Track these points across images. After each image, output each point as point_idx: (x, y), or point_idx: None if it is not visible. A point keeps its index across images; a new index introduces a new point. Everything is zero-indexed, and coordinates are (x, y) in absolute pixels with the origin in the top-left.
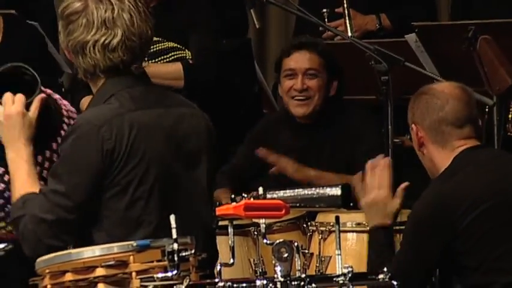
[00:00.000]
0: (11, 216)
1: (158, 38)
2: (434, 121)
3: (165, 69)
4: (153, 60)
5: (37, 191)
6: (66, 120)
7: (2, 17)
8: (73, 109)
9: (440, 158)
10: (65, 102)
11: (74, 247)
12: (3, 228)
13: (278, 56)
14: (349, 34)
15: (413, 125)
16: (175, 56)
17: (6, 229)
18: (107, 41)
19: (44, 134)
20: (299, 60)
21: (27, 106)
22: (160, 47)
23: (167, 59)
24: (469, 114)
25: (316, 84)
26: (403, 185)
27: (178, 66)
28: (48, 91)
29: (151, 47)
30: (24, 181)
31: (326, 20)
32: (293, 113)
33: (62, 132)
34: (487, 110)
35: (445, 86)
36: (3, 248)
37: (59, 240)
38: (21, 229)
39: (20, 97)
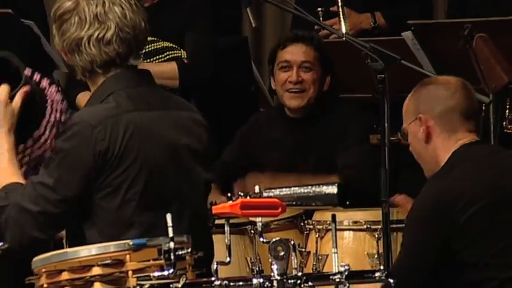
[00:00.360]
0: None
1: (153, 38)
2: (445, 109)
3: (160, 69)
4: (148, 60)
5: (18, 180)
6: (49, 108)
7: None
8: (58, 97)
9: (444, 148)
10: (52, 90)
11: (69, 246)
12: None
13: (272, 48)
14: (344, 32)
15: (420, 115)
16: (170, 56)
17: None
18: (100, 35)
19: (26, 123)
20: (294, 52)
21: (12, 96)
22: (155, 47)
23: (162, 59)
24: (475, 107)
25: (311, 77)
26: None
27: (173, 66)
28: (37, 78)
29: (146, 46)
30: (5, 170)
31: (321, 18)
32: (287, 105)
33: (43, 122)
34: (483, 107)
35: (449, 78)
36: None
37: (42, 233)
38: (5, 218)
39: (4, 87)
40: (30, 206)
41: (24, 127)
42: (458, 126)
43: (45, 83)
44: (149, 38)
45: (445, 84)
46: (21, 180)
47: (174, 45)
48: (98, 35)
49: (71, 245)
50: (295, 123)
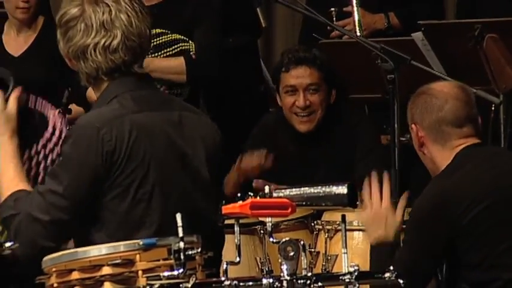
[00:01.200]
0: (0, 214)
1: (163, 30)
2: (434, 121)
3: (168, 64)
4: (158, 53)
5: (26, 187)
6: (51, 123)
7: (43, 17)
8: (58, 116)
9: (441, 157)
10: (52, 109)
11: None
12: None
13: (275, 67)
14: (358, 33)
15: (413, 125)
16: (179, 48)
17: None
18: (107, 43)
19: (25, 133)
20: (299, 76)
21: (5, 101)
22: (165, 39)
23: (171, 51)
24: (468, 114)
25: (318, 99)
26: (404, 196)
27: (180, 61)
28: (34, 97)
29: (156, 39)
30: (11, 177)
31: (334, 19)
32: (297, 129)
33: (45, 135)
34: (493, 108)
35: (444, 85)
36: (10, 246)
37: (53, 242)
38: (15, 228)
39: None
40: (40, 215)
41: (24, 136)
42: (451, 136)
43: (44, 101)
44: (159, 31)
45: (436, 94)
46: (29, 188)
47: (184, 38)
48: (105, 43)
49: None
50: (302, 136)
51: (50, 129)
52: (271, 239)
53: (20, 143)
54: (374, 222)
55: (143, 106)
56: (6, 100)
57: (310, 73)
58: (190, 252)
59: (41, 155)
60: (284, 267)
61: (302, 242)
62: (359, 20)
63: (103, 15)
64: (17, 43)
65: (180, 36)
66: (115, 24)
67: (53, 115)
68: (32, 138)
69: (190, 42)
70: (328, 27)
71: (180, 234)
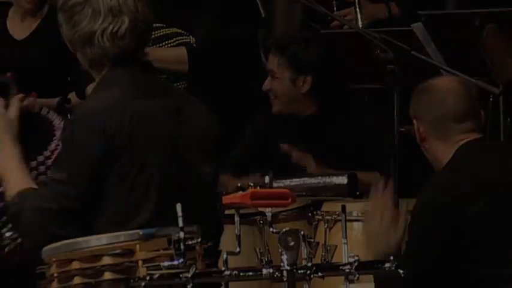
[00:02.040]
0: (7, 212)
1: (162, 24)
2: (435, 117)
3: (169, 54)
4: (157, 46)
5: (30, 184)
6: (57, 133)
7: (48, 5)
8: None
9: (442, 152)
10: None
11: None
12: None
13: None
14: (360, 22)
15: (414, 120)
16: (178, 41)
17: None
18: (115, 29)
19: (30, 141)
20: (269, 61)
21: (6, 106)
22: (164, 32)
23: (171, 44)
24: (469, 109)
25: (276, 85)
26: (405, 209)
27: (182, 51)
28: (38, 102)
29: (155, 32)
30: (18, 178)
31: (335, 8)
32: None
33: (52, 145)
34: (491, 99)
35: (446, 81)
36: (10, 236)
37: (64, 230)
38: (23, 222)
39: None
40: (49, 205)
41: (30, 144)
42: (452, 131)
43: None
44: (158, 24)
45: (437, 90)
46: (32, 184)
47: (182, 31)
48: (113, 29)
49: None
50: (302, 123)
51: (56, 139)
52: (271, 229)
53: (26, 150)
54: (376, 239)
55: (144, 93)
56: (7, 106)
57: (271, 59)
58: (190, 242)
59: (45, 165)
60: (284, 257)
61: (302, 232)
62: (360, 10)
63: (111, 0)
64: (21, 28)
65: (178, 30)
66: (122, 10)
67: (59, 123)
68: (39, 146)
69: (189, 36)
70: (329, 17)
71: (180, 224)
